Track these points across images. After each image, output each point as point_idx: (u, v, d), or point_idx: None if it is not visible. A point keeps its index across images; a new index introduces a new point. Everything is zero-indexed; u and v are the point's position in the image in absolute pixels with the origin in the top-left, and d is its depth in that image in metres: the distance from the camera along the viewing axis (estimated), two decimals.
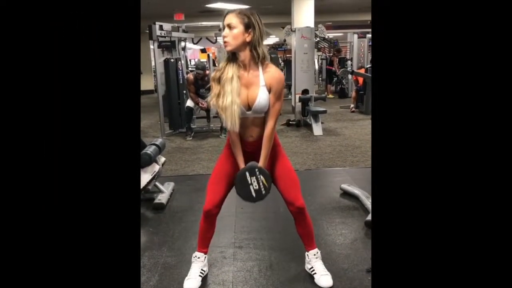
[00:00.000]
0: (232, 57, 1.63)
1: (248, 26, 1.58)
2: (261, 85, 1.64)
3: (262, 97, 1.63)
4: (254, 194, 1.70)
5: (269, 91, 1.65)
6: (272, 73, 1.65)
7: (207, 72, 5.54)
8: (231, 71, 1.62)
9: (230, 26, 1.57)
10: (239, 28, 1.57)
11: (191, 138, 5.50)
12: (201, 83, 5.40)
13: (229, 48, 1.59)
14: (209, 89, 5.15)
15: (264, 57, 1.64)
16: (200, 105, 5.44)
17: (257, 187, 1.69)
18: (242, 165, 1.74)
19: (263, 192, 1.70)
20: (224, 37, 1.57)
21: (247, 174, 1.69)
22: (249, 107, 1.65)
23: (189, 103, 5.49)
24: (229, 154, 1.79)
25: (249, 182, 1.69)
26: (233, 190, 1.78)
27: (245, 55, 1.61)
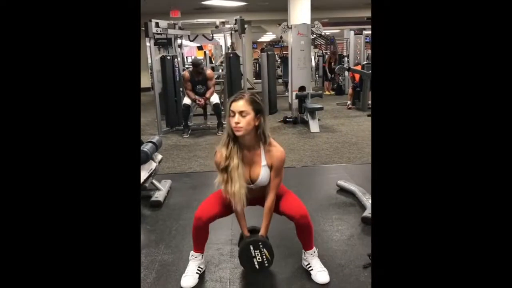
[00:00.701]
0: (234, 140, 1.68)
1: (257, 112, 1.64)
2: (262, 165, 1.73)
3: (263, 175, 1.73)
4: (257, 266, 1.76)
5: (270, 168, 1.73)
6: (274, 153, 1.72)
7: (202, 66, 5.51)
8: (236, 157, 1.68)
9: (242, 114, 1.61)
10: (251, 115, 1.63)
11: (188, 136, 5.50)
12: (197, 80, 5.37)
13: (241, 133, 1.64)
14: (204, 85, 5.10)
15: (268, 140, 1.70)
16: (197, 102, 5.42)
17: (260, 260, 1.75)
18: (245, 232, 1.83)
19: (266, 264, 1.76)
20: (237, 123, 1.61)
21: (251, 247, 1.75)
22: (251, 181, 1.74)
23: (186, 100, 5.47)
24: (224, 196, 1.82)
25: (253, 254, 1.75)
26: None
27: (251, 137, 1.68)
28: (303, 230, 1.83)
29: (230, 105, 1.63)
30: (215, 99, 5.55)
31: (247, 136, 1.67)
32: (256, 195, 1.80)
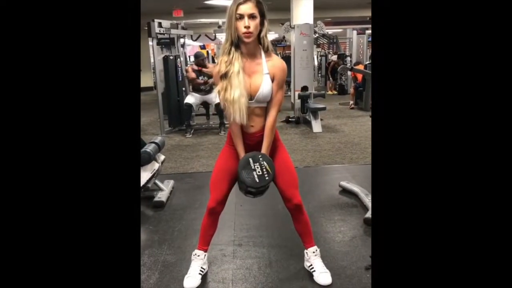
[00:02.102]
0: (236, 46, 1.60)
1: (263, 15, 1.57)
2: (264, 73, 1.62)
3: (265, 86, 1.62)
4: (257, 180, 1.67)
5: (272, 80, 1.64)
6: (275, 62, 1.64)
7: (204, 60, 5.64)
8: (237, 64, 1.58)
9: (252, 16, 1.52)
10: (259, 18, 1.55)
11: (190, 135, 5.50)
12: (199, 73, 5.49)
13: (251, 39, 1.55)
14: (206, 76, 4.97)
15: (269, 47, 1.63)
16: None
17: (260, 172, 1.67)
18: (242, 153, 1.72)
19: (266, 177, 1.68)
20: (247, 27, 1.51)
21: (251, 160, 1.68)
22: (251, 96, 1.63)
23: (188, 99, 5.48)
24: (230, 150, 1.78)
25: (252, 167, 1.67)
26: (234, 188, 1.79)
27: (254, 44, 1.60)
28: (298, 220, 1.81)
29: (237, 8, 1.51)
30: (217, 99, 5.55)
31: (251, 44, 1.58)
32: (254, 127, 1.69)
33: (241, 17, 1.52)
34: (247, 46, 1.59)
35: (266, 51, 1.63)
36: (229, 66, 1.58)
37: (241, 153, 1.73)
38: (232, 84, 1.58)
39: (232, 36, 1.56)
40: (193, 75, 5.47)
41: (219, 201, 1.76)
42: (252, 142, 1.74)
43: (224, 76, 1.59)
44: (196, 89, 5.54)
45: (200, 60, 5.51)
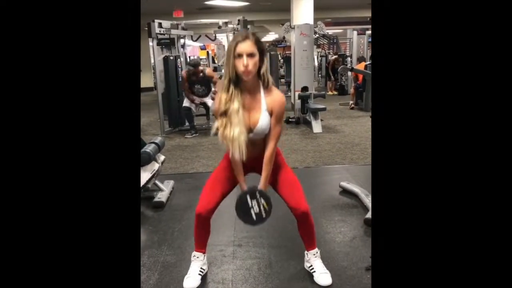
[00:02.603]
0: (236, 84, 1.60)
1: (262, 53, 1.58)
2: (263, 110, 1.64)
3: (263, 121, 1.64)
4: (254, 218, 1.69)
5: (271, 114, 1.65)
6: (274, 97, 1.65)
7: (201, 68, 5.48)
8: (237, 101, 1.59)
9: (251, 55, 1.54)
10: (257, 56, 1.56)
11: (190, 136, 5.48)
12: (195, 79, 5.36)
13: (250, 76, 1.56)
14: (204, 85, 5.00)
15: (270, 83, 1.64)
16: (196, 102, 5.46)
17: (257, 210, 1.69)
18: (243, 185, 1.74)
19: (264, 215, 1.69)
20: (246, 66, 1.53)
21: (248, 197, 1.68)
22: (250, 129, 1.64)
23: (186, 103, 5.44)
24: (228, 164, 1.78)
25: (250, 205, 1.68)
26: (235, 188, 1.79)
27: (253, 81, 1.61)
28: (304, 226, 1.81)
29: (236, 46, 1.53)
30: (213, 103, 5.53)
31: (250, 80, 1.59)
32: (254, 153, 1.71)
33: (240, 55, 1.53)
34: (246, 83, 1.60)
35: (266, 87, 1.64)
36: (228, 104, 1.59)
37: (242, 184, 1.74)
38: (232, 122, 1.58)
39: (230, 73, 1.57)
40: (186, 86, 5.42)
41: (207, 209, 1.75)
42: (251, 164, 1.75)
43: (224, 113, 1.60)
44: (192, 92, 5.47)
45: (197, 69, 5.36)
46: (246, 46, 1.53)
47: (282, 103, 1.66)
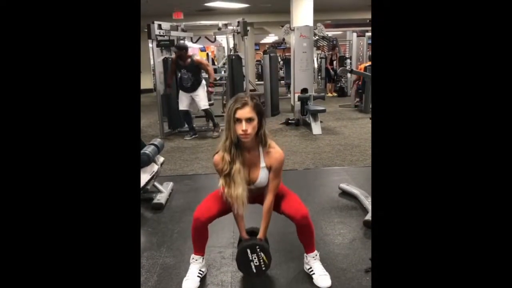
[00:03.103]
0: (236, 145, 1.68)
1: (261, 116, 1.65)
2: (261, 167, 1.73)
3: (262, 177, 1.74)
4: (254, 270, 1.76)
5: (269, 170, 1.73)
6: (272, 155, 1.72)
7: (190, 53, 5.26)
8: (238, 162, 1.68)
9: (249, 120, 1.61)
10: (256, 120, 1.63)
11: (189, 138, 5.47)
12: (182, 64, 5.16)
13: (249, 139, 1.64)
14: (191, 72, 4.78)
15: (267, 143, 1.71)
16: (170, 87, 5.47)
17: (257, 263, 1.75)
18: (243, 234, 1.82)
19: (263, 268, 1.76)
20: (245, 131, 1.60)
21: (249, 251, 1.74)
22: (250, 182, 1.74)
23: (181, 105, 5.34)
24: None
25: (250, 258, 1.75)
26: None
27: (251, 140, 1.67)
28: (304, 231, 1.82)
29: (235, 112, 1.61)
30: (203, 104, 5.33)
31: (250, 140, 1.67)
32: (255, 194, 1.81)
33: (239, 120, 1.61)
34: (246, 143, 1.68)
35: (264, 146, 1.71)
36: (231, 164, 1.68)
37: (243, 233, 1.83)
38: (236, 181, 1.68)
39: (232, 136, 1.65)
40: (172, 68, 5.26)
41: (206, 216, 1.78)
42: (253, 199, 1.82)
43: (228, 174, 1.69)
44: (180, 86, 5.31)
45: (183, 53, 5.11)
46: (245, 112, 1.60)
47: (280, 160, 1.73)
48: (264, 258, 1.75)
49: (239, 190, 1.67)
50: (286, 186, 1.91)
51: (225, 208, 1.81)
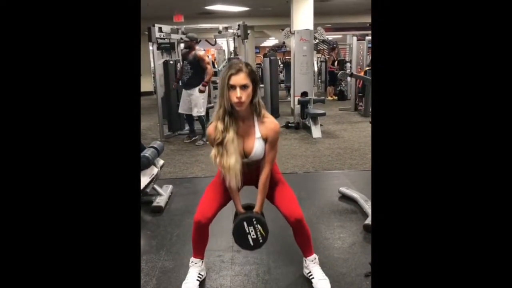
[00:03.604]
0: (230, 113, 1.63)
1: (255, 83, 1.61)
2: (256, 137, 1.68)
3: (258, 148, 1.68)
4: (252, 243, 1.74)
5: (265, 141, 1.69)
6: (268, 125, 1.68)
7: (197, 48, 5.12)
8: (232, 131, 1.63)
9: (244, 87, 1.57)
10: (251, 87, 1.60)
11: (190, 141, 5.45)
12: (186, 55, 5.09)
13: (243, 107, 1.60)
14: (193, 67, 4.65)
15: (261, 112, 1.67)
16: (173, 85, 5.46)
17: (254, 236, 1.73)
18: (239, 208, 1.78)
19: (261, 241, 1.74)
20: (239, 98, 1.56)
21: (245, 224, 1.72)
22: (245, 155, 1.68)
23: (181, 108, 5.30)
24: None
25: (247, 231, 1.73)
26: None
27: (247, 109, 1.64)
28: (299, 234, 1.81)
29: (229, 79, 1.56)
30: (196, 110, 5.13)
31: (243, 109, 1.63)
32: (250, 172, 1.76)
33: (233, 87, 1.57)
34: (240, 112, 1.64)
35: (259, 115, 1.67)
36: (224, 133, 1.63)
37: (238, 207, 1.78)
38: (228, 151, 1.62)
39: (225, 104, 1.60)
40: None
41: (206, 217, 1.76)
42: (248, 178, 1.78)
43: (220, 143, 1.64)
44: (182, 83, 5.19)
45: (192, 43, 5.00)
46: (240, 79, 1.56)
47: (275, 131, 1.70)
48: (261, 230, 1.72)
49: (232, 160, 1.62)
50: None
51: (224, 198, 1.79)
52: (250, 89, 1.59)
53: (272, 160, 1.73)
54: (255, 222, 1.72)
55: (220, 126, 1.63)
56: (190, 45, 5.05)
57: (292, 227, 1.78)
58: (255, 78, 1.61)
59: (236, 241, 1.77)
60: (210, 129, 1.67)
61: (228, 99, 1.59)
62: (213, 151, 1.66)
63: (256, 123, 1.68)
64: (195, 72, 5.03)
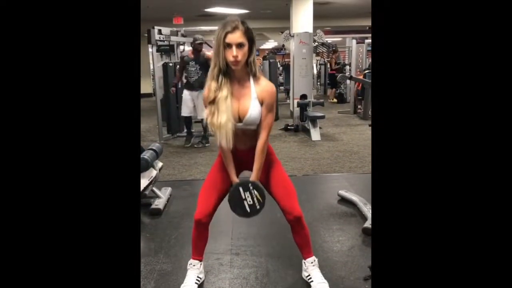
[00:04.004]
0: (225, 73, 1.60)
1: (251, 42, 1.58)
2: (252, 98, 1.63)
3: (253, 110, 1.62)
4: (248, 209, 1.69)
5: (261, 104, 1.64)
6: (264, 86, 1.64)
7: (204, 50, 5.01)
8: (225, 89, 1.59)
9: (240, 45, 1.53)
10: (247, 46, 1.56)
11: (189, 145, 5.40)
12: (192, 58, 4.95)
13: (239, 66, 1.56)
14: (201, 67, 4.55)
15: (256, 72, 1.63)
16: (172, 88, 5.39)
17: (251, 202, 1.68)
18: (234, 177, 1.73)
19: (258, 207, 1.68)
20: (235, 56, 1.52)
21: (241, 189, 1.68)
22: (239, 119, 1.64)
23: (184, 111, 5.17)
24: (221, 164, 1.78)
25: (243, 197, 1.68)
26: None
27: (242, 69, 1.61)
28: (298, 233, 1.79)
29: (225, 37, 1.52)
30: (202, 114, 5.06)
31: (239, 69, 1.59)
32: (245, 146, 1.71)
33: (229, 46, 1.53)
34: (236, 72, 1.60)
35: (254, 76, 1.63)
36: (217, 92, 1.59)
37: (233, 176, 1.73)
38: (220, 109, 1.58)
39: (220, 63, 1.56)
40: (181, 64, 5.00)
41: (206, 214, 1.74)
42: (245, 159, 1.74)
43: (213, 101, 1.60)
44: (186, 85, 5.08)
45: (197, 44, 4.90)
46: (236, 37, 1.52)
47: (272, 92, 1.65)
48: (258, 195, 1.67)
49: (223, 119, 1.56)
50: None
51: (222, 188, 1.75)
52: (246, 48, 1.55)
53: (269, 126, 1.68)
54: (251, 187, 1.67)
55: (214, 85, 1.60)
56: (198, 47, 4.93)
57: (291, 225, 1.77)
58: (251, 37, 1.57)
59: (232, 208, 1.71)
60: (205, 90, 1.64)
61: (223, 58, 1.55)
62: (206, 111, 1.63)
63: (252, 84, 1.63)
64: (204, 71, 4.82)
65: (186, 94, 5.04)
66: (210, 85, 1.61)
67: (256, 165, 1.70)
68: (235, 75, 1.62)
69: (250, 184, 1.67)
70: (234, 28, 1.53)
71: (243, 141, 1.70)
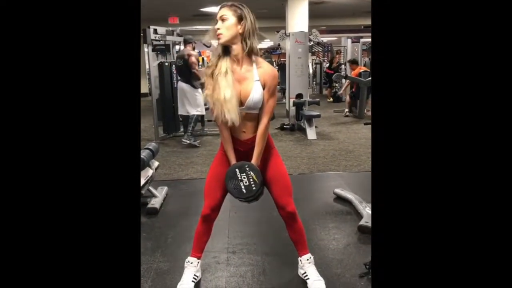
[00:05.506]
0: (225, 51, 1.62)
1: (240, 18, 1.59)
2: (254, 80, 1.62)
3: (256, 92, 1.62)
4: (244, 190, 1.68)
5: (263, 87, 1.64)
6: (266, 69, 1.65)
7: (189, 51, 5.11)
8: (224, 65, 1.60)
9: (223, 19, 1.58)
10: (231, 20, 1.58)
11: (188, 142, 5.38)
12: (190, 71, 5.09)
13: (223, 40, 1.58)
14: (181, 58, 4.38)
15: (254, 50, 1.63)
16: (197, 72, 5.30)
17: (247, 183, 1.68)
18: (233, 161, 1.73)
19: (254, 187, 1.68)
20: (217, 29, 1.57)
21: (237, 170, 1.68)
22: (241, 103, 1.63)
23: (181, 110, 5.31)
24: (223, 157, 1.78)
25: (239, 178, 1.68)
26: (228, 195, 1.79)
27: (238, 48, 1.61)
28: (292, 228, 1.81)
29: (216, 16, 1.60)
30: (197, 110, 5.21)
31: (235, 47, 1.60)
32: (246, 130, 1.70)
33: (217, 21, 1.60)
34: (233, 51, 1.61)
35: (252, 54, 1.63)
36: (216, 66, 1.62)
37: (232, 160, 1.73)
38: (220, 84, 1.58)
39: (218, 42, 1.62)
40: (195, 62, 5.05)
41: (213, 208, 1.76)
42: (244, 149, 1.74)
43: (211, 76, 1.62)
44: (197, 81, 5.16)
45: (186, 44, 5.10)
46: (220, 12, 1.60)
47: (274, 75, 1.67)
48: (254, 176, 1.67)
49: (227, 93, 1.56)
50: None
51: (224, 183, 1.74)
52: (230, 22, 1.57)
53: (271, 109, 1.69)
54: (247, 169, 1.67)
55: (214, 59, 1.64)
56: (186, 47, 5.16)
57: (284, 220, 1.78)
58: (240, 13, 1.59)
59: (229, 190, 1.71)
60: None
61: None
62: (206, 91, 1.64)
63: (254, 67, 1.64)
64: (185, 69, 5.06)
65: (179, 93, 5.31)
66: (212, 60, 1.66)
67: (257, 150, 1.70)
68: (236, 55, 1.62)
69: (246, 166, 1.68)
70: (222, 7, 1.61)
71: (243, 128, 1.69)
